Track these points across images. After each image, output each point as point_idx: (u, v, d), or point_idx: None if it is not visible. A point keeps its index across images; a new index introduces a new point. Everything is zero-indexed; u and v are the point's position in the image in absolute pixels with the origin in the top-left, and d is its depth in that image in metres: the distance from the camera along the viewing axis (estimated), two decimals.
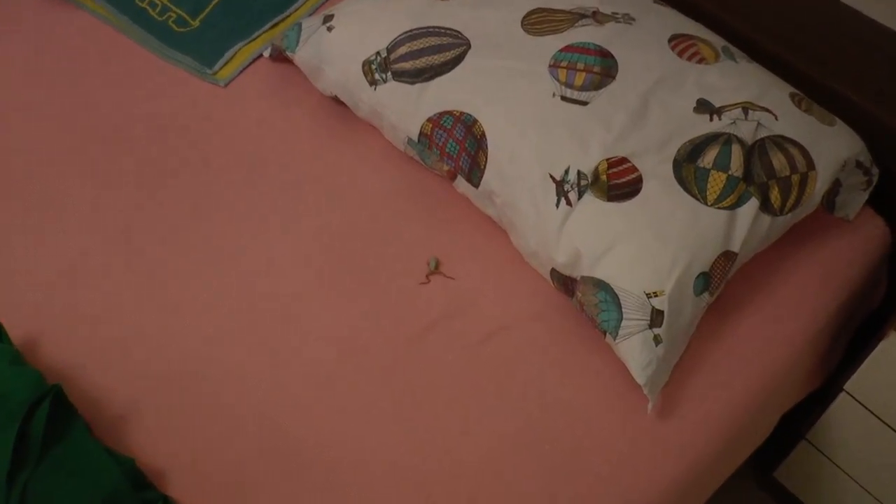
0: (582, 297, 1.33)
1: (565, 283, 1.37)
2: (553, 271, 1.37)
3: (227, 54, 1.70)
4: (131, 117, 1.61)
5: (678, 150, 1.35)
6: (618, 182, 1.33)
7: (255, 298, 1.39)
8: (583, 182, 1.33)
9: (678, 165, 1.34)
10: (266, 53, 1.71)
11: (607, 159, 1.34)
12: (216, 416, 1.27)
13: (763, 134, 1.38)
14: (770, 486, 1.89)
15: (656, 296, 1.28)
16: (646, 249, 1.29)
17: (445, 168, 1.46)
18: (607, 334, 1.31)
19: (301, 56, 1.58)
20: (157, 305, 1.38)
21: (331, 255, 1.44)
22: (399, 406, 1.30)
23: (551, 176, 1.34)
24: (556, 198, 1.34)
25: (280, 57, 1.69)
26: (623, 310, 1.29)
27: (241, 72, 1.69)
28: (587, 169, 1.33)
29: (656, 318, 1.28)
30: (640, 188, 1.33)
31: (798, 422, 1.69)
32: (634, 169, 1.34)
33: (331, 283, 1.42)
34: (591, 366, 1.35)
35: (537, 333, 1.38)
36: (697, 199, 1.32)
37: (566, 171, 1.34)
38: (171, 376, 1.30)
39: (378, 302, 1.40)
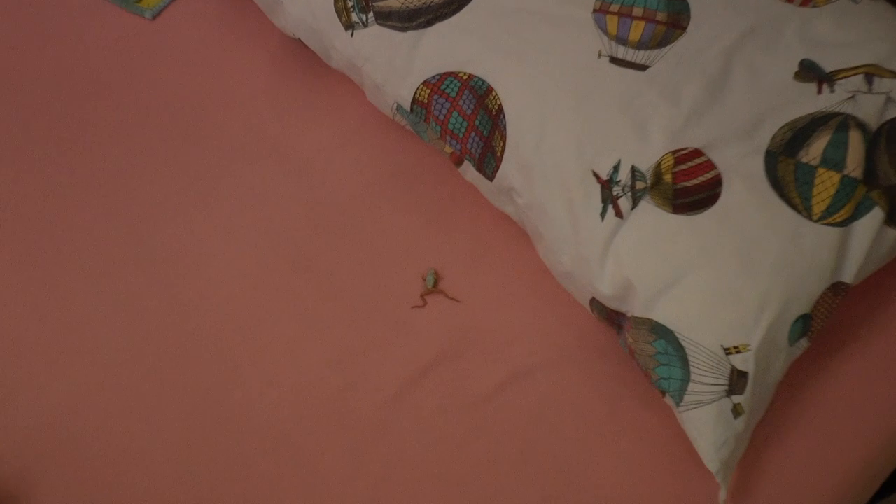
0: (633, 343, 1.17)
1: (610, 317, 1.22)
2: (594, 301, 1.22)
3: None
4: (28, 60, 1.47)
5: (773, 138, 1.17)
6: (687, 185, 1.16)
7: (181, 323, 1.26)
8: (639, 184, 1.17)
9: (772, 160, 1.16)
10: None
11: (674, 152, 1.17)
12: (130, 489, 1.15)
13: (894, 113, 1.19)
14: None
15: (738, 352, 1.11)
16: (726, 285, 1.12)
17: (448, 150, 1.30)
18: (667, 395, 1.15)
19: None
20: (49, 328, 1.25)
21: (287, 265, 1.30)
22: (378, 489, 1.16)
23: (595, 173, 1.18)
24: (600, 204, 1.18)
25: None
26: (691, 368, 1.12)
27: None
28: (645, 165, 1.17)
29: (738, 382, 1.11)
30: (719, 193, 1.15)
31: None
32: (711, 165, 1.16)
33: (286, 305, 1.27)
34: (643, 429, 1.20)
35: (569, 382, 1.23)
36: (798, 212, 1.15)
37: (616, 168, 1.17)
38: (72, 435, 1.18)
39: (352, 336, 1.25)
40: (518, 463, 1.17)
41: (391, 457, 1.18)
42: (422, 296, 1.28)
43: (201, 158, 1.39)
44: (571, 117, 1.21)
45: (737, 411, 1.11)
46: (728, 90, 1.20)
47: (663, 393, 1.15)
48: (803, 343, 1.16)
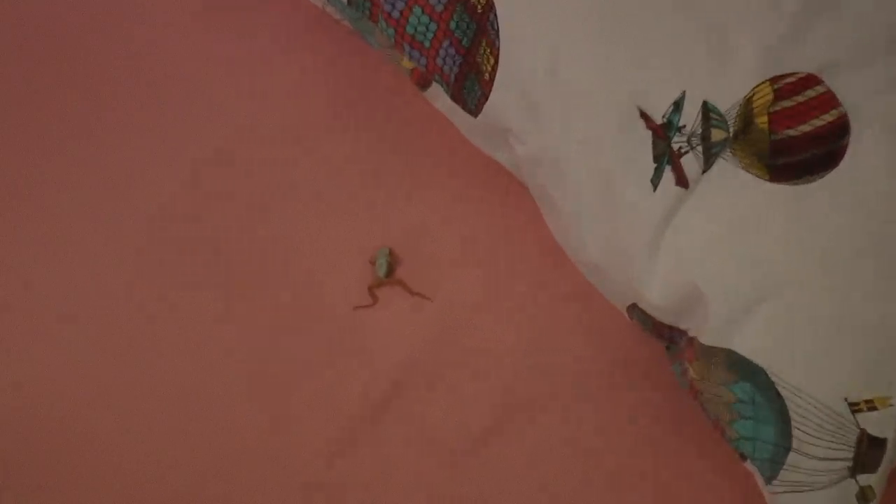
0: (698, 380, 0.97)
1: (659, 329, 1.03)
2: (634, 308, 1.03)
3: None
4: None
5: None
6: (794, 134, 0.94)
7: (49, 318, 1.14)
8: (715, 132, 0.97)
9: None
10: None
11: (772, 80, 0.96)
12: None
13: None
14: None
15: (873, 408, 0.91)
16: (853, 301, 0.93)
17: (407, 64, 1.15)
18: (750, 462, 0.96)
19: None
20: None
21: (173, 246, 1.15)
22: None
23: (643, 114, 0.99)
24: (652, 165, 0.98)
25: None
26: (794, 430, 0.91)
27: None
28: (726, 101, 0.97)
29: (868, 454, 0.90)
30: (845, 147, 0.94)
31: None
32: (832, 101, 0.95)
33: (172, 309, 1.12)
34: (704, 485, 1.00)
35: (587, 420, 1.04)
36: None
37: (677, 105, 0.98)
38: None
39: (269, 354, 1.08)
40: None
41: None
42: (370, 290, 1.07)
43: (61, 92, 1.24)
44: (604, 21, 1.00)
45: (865, 497, 0.91)
46: None
47: (743, 458, 0.95)
48: None
